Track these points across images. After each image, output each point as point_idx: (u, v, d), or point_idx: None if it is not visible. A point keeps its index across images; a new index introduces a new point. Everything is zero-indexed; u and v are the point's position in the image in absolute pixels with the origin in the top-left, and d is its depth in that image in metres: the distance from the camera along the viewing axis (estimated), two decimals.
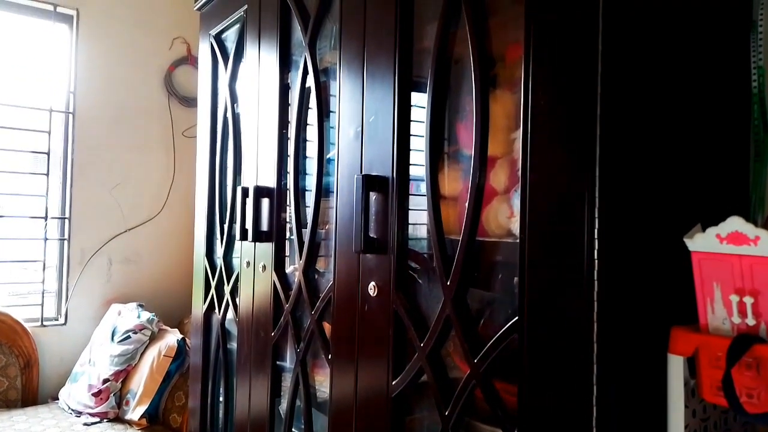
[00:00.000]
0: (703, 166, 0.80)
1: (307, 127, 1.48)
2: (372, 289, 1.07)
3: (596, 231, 0.66)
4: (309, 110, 1.45)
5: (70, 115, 2.69)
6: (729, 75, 0.82)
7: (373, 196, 1.08)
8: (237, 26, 1.79)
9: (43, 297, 2.60)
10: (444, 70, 0.99)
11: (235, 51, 1.79)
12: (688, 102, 0.79)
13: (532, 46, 0.78)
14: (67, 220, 2.67)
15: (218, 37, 1.91)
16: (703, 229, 0.66)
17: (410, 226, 1.07)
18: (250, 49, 1.66)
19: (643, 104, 0.73)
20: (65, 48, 2.73)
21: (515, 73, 0.95)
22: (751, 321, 0.64)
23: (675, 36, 0.77)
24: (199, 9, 2.04)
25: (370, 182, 1.07)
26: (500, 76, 1.01)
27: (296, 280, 1.39)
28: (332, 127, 1.31)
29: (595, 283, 0.66)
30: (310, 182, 1.41)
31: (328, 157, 1.37)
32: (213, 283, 1.85)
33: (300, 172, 1.47)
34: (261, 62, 1.59)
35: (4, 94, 2.57)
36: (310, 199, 1.40)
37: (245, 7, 1.68)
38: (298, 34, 1.47)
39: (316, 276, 1.38)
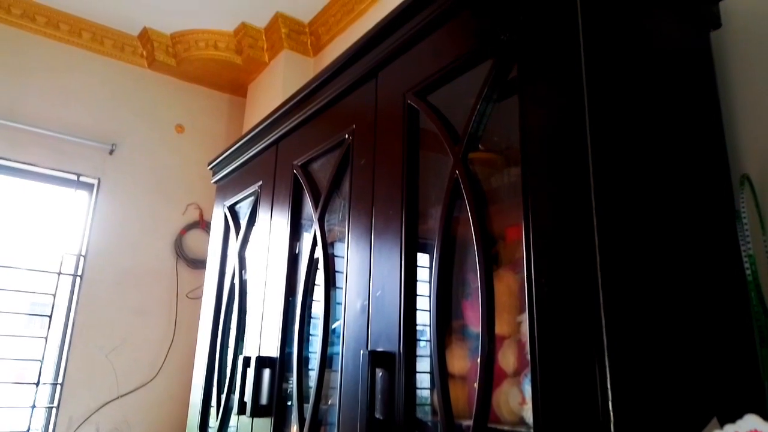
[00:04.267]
0: (710, 355, 0.80)
1: (314, 295, 1.50)
2: None
3: (612, 425, 0.64)
4: (316, 280, 1.49)
5: (78, 278, 2.74)
6: (722, 263, 0.86)
7: (379, 372, 1.06)
8: (251, 198, 1.90)
9: None
10: (448, 251, 1.03)
11: (247, 220, 1.88)
12: (686, 291, 0.81)
13: (532, 232, 0.82)
14: (59, 386, 2.58)
15: (232, 208, 2.02)
16: (720, 425, 0.64)
17: (418, 402, 1.04)
18: (262, 220, 1.75)
19: (644, 295, 0.75)
20: (82, 213, 2.86)
21: (516, 252, 1.00)
22: None
23: (666, 228, 0.82)
24: (216, 182, 2.18)
25: (376, 358, 1.06)
26: (502, 255, 1.05)
27: None
28: (339, 288, 1.33)
29: None
30: (315, 347, 1.39)
31: (333, 327, 1.37)
32: None
33: (304, 340, 1.46)
34: (272, 233, 1.67)
35: (14, 257, 2.64)
36: (314, 363, 1.37)
37: (260, 182, 1.80)
38: (308, 207, 1.56)
39: None
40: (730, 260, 0.86)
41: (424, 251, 1.12)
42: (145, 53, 3.05)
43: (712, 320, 0.81)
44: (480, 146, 1.10)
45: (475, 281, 0.96)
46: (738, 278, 0.84)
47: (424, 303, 1.08)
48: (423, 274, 1.11)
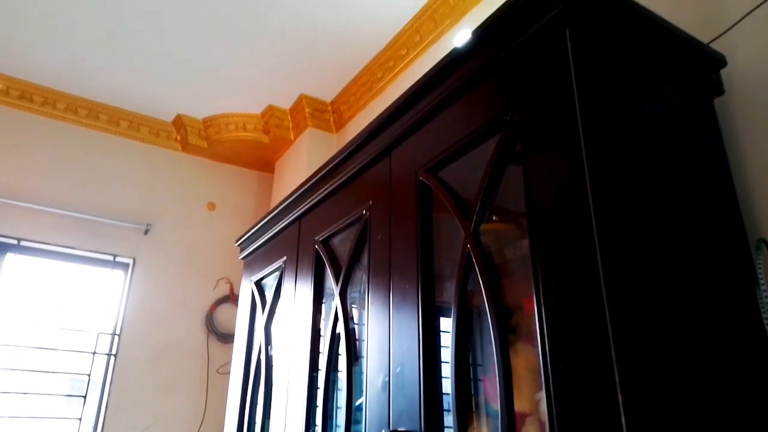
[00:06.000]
0: (733, 428, 0.76)
1: (338, 368, 1.49)
2: None
3: None
4: (339, 355, 1.48)
5: (113, 357, 2.78)
6: (742, 330, 0.84)
7: None
8: (276, 274, 1.93)
9: None
10: (465, 327, 1.03)
11: (273, 296, 1.91)
12: (705, 362, 0.79)
13: (543, 306, 0.82)
14: None
15: (258, 283, 2.06)
16: None
17: None
18: (286, 295, 1.77)
19: (663, 371, 0.73)
20: (117, 292, 2.94)
21: (534, 324, 0.98)
22: None
23: (682, 298, 0.81)
24: (244, 258, 2.24)
25: None
26: (521, 325, 1.04)
27: None
28: (362, 358, 1.32)
29: None
30: (340, 422, 1.37)
31: (357, 403, 1.35)
32: None
33: (329, 417, 1.44)
34: (295, 308, 1.69)
35: (52, 338, 2.71)
36: None
37: (284, 258, 1.84)
38: (330, 282, 1.58)
39: None
40: (750, 327, 0.83)
41: (446, 315, 1.11)
42: (178, 137, 3.23)
43: (734, 393, 0.78)
44: (494, 217, 1.11)
45: (493, 356, 0.94)
46: (761, 346, 0.81)
47: (449, 369, 1.06)
48: (447, 339, 1.10)
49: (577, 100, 0.83)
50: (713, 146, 1.03)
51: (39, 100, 2.87)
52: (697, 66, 1.05)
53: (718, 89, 1.07)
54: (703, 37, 1.09)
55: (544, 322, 0.81)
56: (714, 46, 1.10)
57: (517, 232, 1.11)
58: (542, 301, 0.82)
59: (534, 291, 0.84)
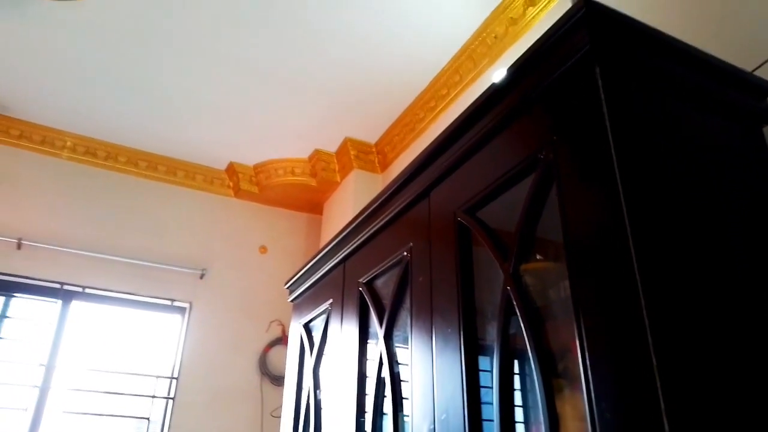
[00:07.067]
0: None
1: (383, 414, 1.47)
2: None
3: None
4: (384, 398, 1.46)
5: (171, 401, 2.84)
6: None
7: None
8: (323, 316, 1.95)
9: None
10: (508, 370, 1.00)
11: (320, 339, 1.92)
12: (760, 404, 0.73)
13: (587, 352, 0.79)
14: None
15: (306, 326, 2.08)
16: None
17: None
18: (333, 338, 1.78)
19: (711, 419, 0.69)
20: (175, 336, 3.03)
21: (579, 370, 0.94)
22: None
23: (730, 341, 0.76)
24: (293, 301, 2.27)
25: None
26: (570, 371, 1.00)
27: None
28: (406, 399, 1.30)
29: None
30: None
31: None
32: None
33: None
34: (342, 351, 1.69)
35: (115, 383, 2.81)
36: None
37: (330, 300, 1.86)
38: (375, 324, 1.57)
39: None
40: None
41: (491, 357, 1.08)
42: (231, 184, 3.36)
43: None
44: (537, 256, 1.09)
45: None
46: None
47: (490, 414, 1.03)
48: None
49: (610, 136, 0.82)
50: (762, 176, 0.98)
51: (102, 155, 3.06)
52: (740, 95, 1.01)
53: (766, 117, 1.03)
54: (747, 65, 1.06)
55: (589, 368, 0.77)
56: (759, 73, 1.06)
57: (561, 271, 1.08)
58: (585, 346, 0.79)
59: (576, 336, 0.81)
